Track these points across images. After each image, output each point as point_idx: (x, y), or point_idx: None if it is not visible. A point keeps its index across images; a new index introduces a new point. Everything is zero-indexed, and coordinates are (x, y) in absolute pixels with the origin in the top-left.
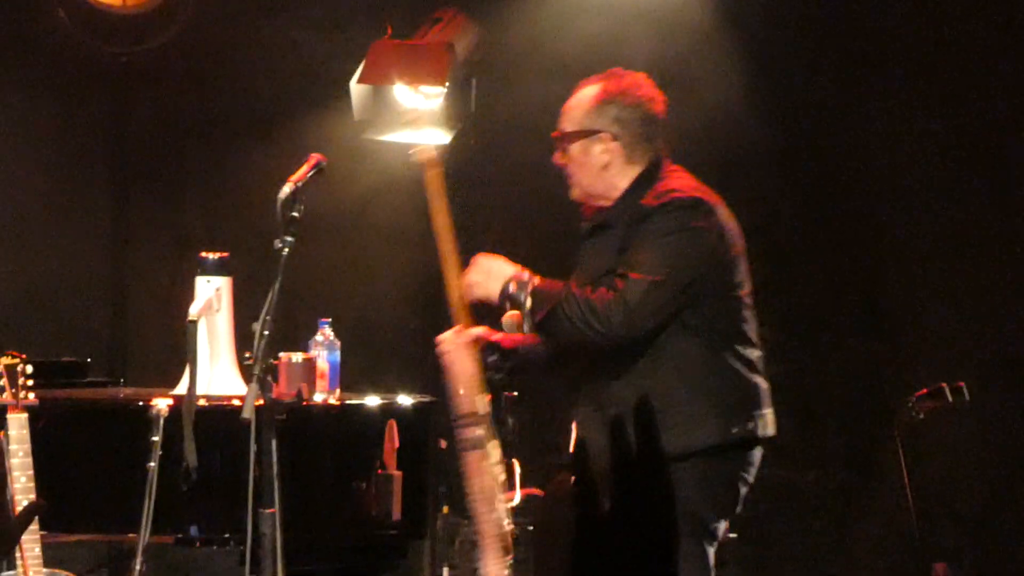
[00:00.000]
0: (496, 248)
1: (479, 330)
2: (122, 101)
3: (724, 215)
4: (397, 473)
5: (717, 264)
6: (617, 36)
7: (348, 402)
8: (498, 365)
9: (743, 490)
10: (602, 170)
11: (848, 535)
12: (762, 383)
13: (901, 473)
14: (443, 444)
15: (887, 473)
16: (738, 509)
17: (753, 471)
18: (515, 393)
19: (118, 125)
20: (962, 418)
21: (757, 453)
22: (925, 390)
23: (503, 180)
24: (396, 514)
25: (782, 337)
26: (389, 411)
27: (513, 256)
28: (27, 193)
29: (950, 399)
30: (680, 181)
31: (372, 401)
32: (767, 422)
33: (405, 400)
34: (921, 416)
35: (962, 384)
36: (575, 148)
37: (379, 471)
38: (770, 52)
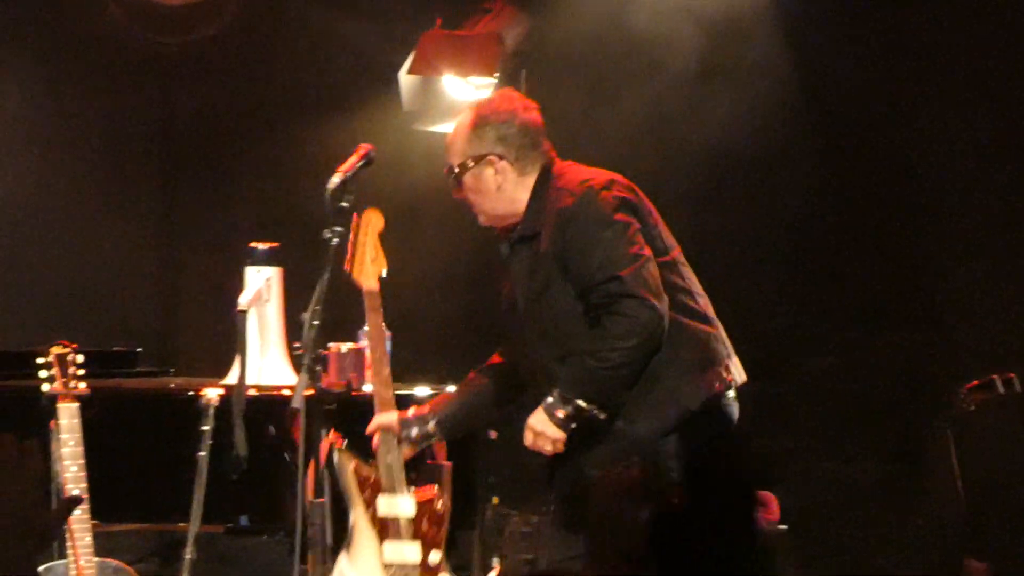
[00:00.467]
0: None
1: None
2: (172, 92)
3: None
4: (446, 463)
5: (647, 233)
6: (663, 28)
7: (398, 392)
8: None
9: (724, 444)
10: (498, 191)
11: (897, 527)
12: (720, 332)
13: (950, 466)
14: (493, 435)
15: (936, 465)
16: None
17: (731, 426)
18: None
19: (169, 116)
20: (1013, 410)
21: (734, 407)
22: (976, 382)
23: None
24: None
25: (832, 329)
26: None
27: None
28: (78, 184)
29: (1001, 390)
30: (579, 172)
31: (422, 391)
32: (737, 369)
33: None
34: (972, 408)
35: (1013, 375)
36: (467, 179)
37: (428, 461)
38: (816, 42)
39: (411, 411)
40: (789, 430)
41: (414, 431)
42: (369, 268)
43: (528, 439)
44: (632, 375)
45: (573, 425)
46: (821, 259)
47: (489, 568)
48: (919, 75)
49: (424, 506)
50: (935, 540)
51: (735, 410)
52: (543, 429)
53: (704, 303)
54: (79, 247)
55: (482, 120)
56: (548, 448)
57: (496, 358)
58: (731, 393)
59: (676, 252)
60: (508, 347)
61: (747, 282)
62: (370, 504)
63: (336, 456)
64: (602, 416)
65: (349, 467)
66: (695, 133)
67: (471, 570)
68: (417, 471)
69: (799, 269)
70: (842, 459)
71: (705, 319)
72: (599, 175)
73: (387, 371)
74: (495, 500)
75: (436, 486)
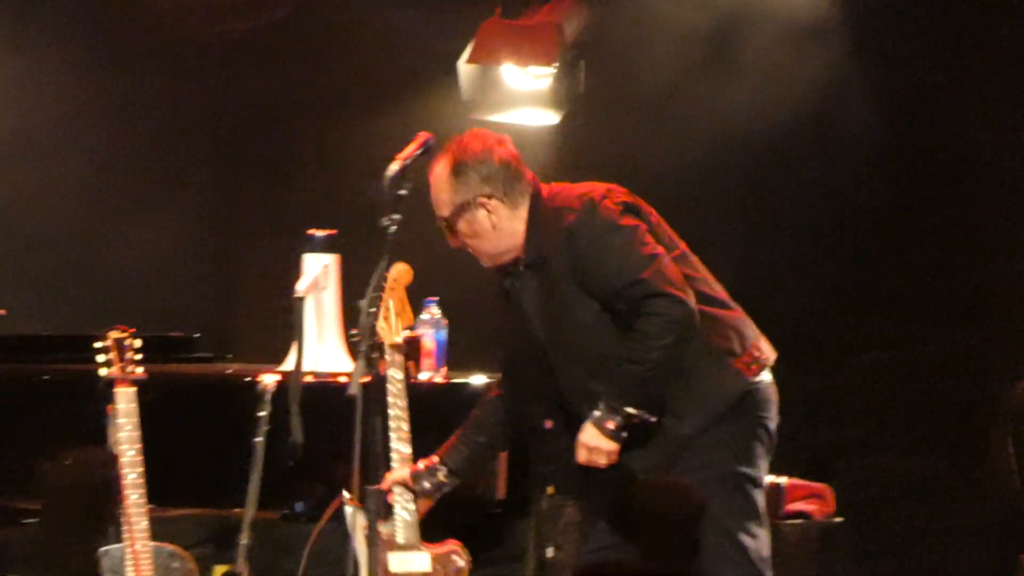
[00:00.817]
0: None
1: None
2: (229, 80)
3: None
4: (502, 452)
5: (654, 232)
6: (723, 20)
7: (454, 380)
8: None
9: (771, 426)
10: (495, 229)
11: (953, 522)
12: (742, 314)
13: (1006, 459)
14: (548, 424)
15: (992, 459)
16: (773, 444)
17: (772, 407)
18: None
19: (227, 104)
20: None
21: (770, 391)
22: None
23: (611, 161)
24: (500, 493)
25: (887, 324)
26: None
27: None
28: (136, 171)
29: None
30: (573, 189)
31: (478, 380)
32: (767, 346)
33: None
34: None
35: None
36: (461, 226)
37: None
38: (878, 37)
39: (421, 463)
40: (846, 424)
41: (426, 484)
42: (394, 322)
43: (582, 456)
44: (672, 371)
45: (624, 434)
46: (878, 253)
47: (543, 558)
48: (979, 72)
49: (442, 559)
50: (990, 534)
51: (774, 391)
52: (596, 443)
53: (720, 289)
54: (139, 233)
55: (461, 166)
56: (603, 461)
57: (496, 391)
58: (767, 376)
59: (683, 246)
60: (508, 379)
61: (803, 276)
62: (383, 562)
63: (348, 513)
64: (652, 419)
65: (361, 524)
66: (753, 125)
67: (525, 560)
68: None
69: (855, 263)
70: (898, 453)
71: (726, 304)
72: (594, 187)
73: (407, 427)
74: (550, 490)
75: (455, 541)
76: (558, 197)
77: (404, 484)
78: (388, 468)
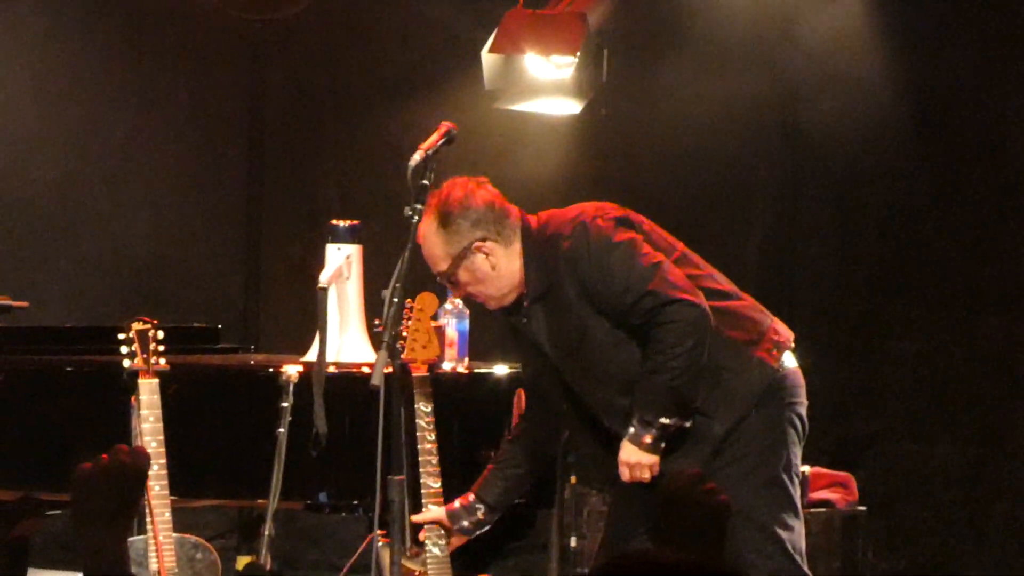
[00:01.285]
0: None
1: None
2: (257, 70)
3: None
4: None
5: (650, 240)
6: (747, 6)
7: (477, 370)
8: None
9: (802, 412)
10: (495, 271)
11: (980, 511)
12: (751, 301)
13: None
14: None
15: (1020, 450)
16: (805, 429)
17: (801, 392)
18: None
19: (252, 94)
20: None
21: (797, 376)
22: None
23: (633, 151)
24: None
25: (919, 313)
26: (518, 380)
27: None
28: (162, 161)
29: None
30: (563, 215)
31: (500, 370)
32: (783, 327)
33: None
34: None
35: None
36: (462, 275)
37: (508, 438)
38: (911, 28)
39: (457, 502)
40: (874, 413)
41: (465, 522)
42: (420, 353)
43: (625, 475)
44: (697, 374)
45: (663, 445)
46: (908, 244)
47: (567, 548)
48: (1015, 60)
49: None
50: (1018, 525)
51: (799, 375)
52: (637, 459)
53: (726, 281)
54: (162, 224)
55: (448, 217)
56: (647, 476)
57: (522, 423)
58: (791, 360)
59: (681, 246)
60: (533, 408)
61: (835, 265)
62: None
63: (377, 548)
64: (688, 424)
65: (389, 560)
66: (784, 116)
67: (549, 550)
68: (496, 449)
69: (888, 251)
70: (926, 443)
71: (735, 295)
72: (583, 208)
73: (436, 460)
74: (573, 479)
75: None
76: (549, 225)
77: (440, 522)
78: (414, 466)
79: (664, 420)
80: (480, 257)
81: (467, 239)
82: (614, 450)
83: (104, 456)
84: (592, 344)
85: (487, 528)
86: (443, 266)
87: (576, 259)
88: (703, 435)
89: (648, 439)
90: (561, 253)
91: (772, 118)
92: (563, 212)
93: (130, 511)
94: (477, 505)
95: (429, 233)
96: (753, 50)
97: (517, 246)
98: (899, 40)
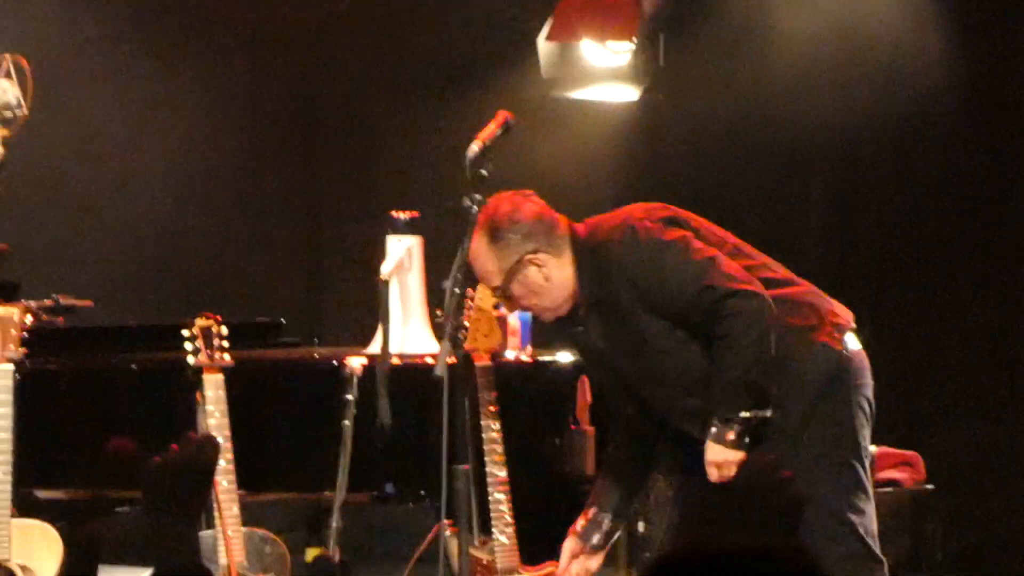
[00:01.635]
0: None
1: None
2: (313, 63)
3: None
4: (590, 429)
5: (700, 236)
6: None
7: (540, 359)
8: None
9: (869, 394)
10: (548, 282)
11: None
12: (808, 286)
13: None
14: None
15: None
16: (873, 411)
17: (867, 373)
18: None
19: (309, 87)
20: None
21: (862, 358)
22: None
23: (690, 136)
24: (590, 469)
25: (984, 288)
26: (581, 367)
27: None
28: (222, 156)
29: None
30: (609, 221)
31: (564, 358)
32: (842, 309)
33: None
34: None
35: None
36: (516, 289)
37: (572, 427)
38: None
39: (578, 524)
40: (940, 390)
41: (595, 539)
42: (482, 342)
43: (713, 475)
44: (769, 363)
45: (747, 439)
46: (974, 218)
47: (634, 533)
48: None
49: None
50: None
51: (864, 357)
52: (723, 457)
53: (781, 268)
54: (223, 219)
55: (498, 233)
56: (735, 471)
57: (621, 427)
58: (854, 341)
59: (732, 239)
60: (623, 417)
61: (897, 240)
62: None
63: (445, 538)
64: (769, 414)
65: (457, 550)
66: (838, 104)
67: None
68: (560, 437)
69: (950, 227)
70: (992, 420)
71: (792, 282)
72: (630, 211)
73: (501, 448)
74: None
75: (553, 563)
76: (598, 232)
77: (576, 553)
78: (479, 455)
79: (745, 414)
80: (533, 269)
81: (518, 252)
82: (682, 446)
83: (174, 446)
84: (652, 348)
85: (617, 537)
86: (496, 281)
87: (628, 264)
88: (774, 424)
89: (731, 435)
90: (613, 258)
91: (823, 107)
92: (610, 217)
93: (201, 499)
94: (601, 517)
95: (480, 250)
96: (811, 33)
97: (568, 256)
98: (951, 16)
